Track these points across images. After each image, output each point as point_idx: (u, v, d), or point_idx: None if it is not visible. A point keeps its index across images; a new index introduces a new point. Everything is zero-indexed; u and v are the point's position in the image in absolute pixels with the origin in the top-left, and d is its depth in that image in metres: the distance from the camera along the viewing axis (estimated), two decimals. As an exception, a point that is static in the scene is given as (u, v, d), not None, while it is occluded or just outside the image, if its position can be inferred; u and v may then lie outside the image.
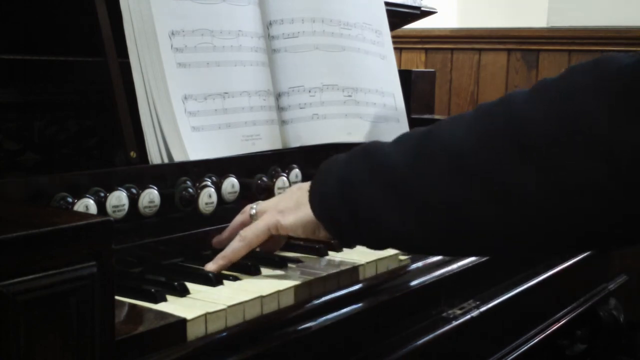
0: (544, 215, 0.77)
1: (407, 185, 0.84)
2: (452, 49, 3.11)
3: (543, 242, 0.81)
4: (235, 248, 1.00)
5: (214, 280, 0.94)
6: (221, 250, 1.01)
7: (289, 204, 0.99)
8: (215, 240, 1.07)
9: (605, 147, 0.73)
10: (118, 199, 0.98)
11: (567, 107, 0.75)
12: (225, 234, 1.07)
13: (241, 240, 1.00)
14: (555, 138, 0.75)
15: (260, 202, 1.05)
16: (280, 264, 1.03)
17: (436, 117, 2.01)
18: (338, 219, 0.92)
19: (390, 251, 1.07)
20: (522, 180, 0.77)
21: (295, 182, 1.25)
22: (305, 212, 0.96)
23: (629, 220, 0.75)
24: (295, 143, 1.33)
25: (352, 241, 0.98)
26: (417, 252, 1.02)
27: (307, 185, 0.98)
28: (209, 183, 1.10)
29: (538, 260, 1.48)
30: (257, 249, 1.03)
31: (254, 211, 1.04)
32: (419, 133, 0.87)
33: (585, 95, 0.75)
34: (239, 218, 1.06)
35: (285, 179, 1.22)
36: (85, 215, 0.85)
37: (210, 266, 0.98)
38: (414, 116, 1.75)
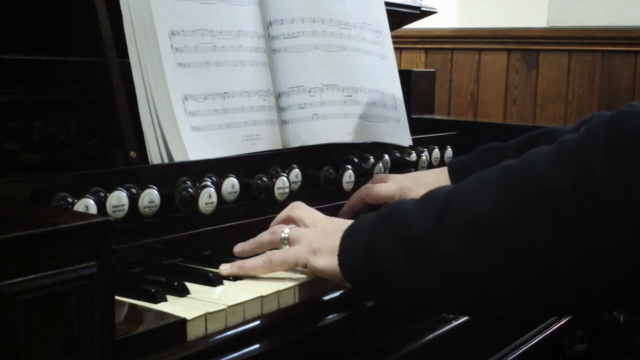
0: (566, 277, 0.78)
1: (429, 251, 0.84)
2: (452, 49, 3.11)
3: (563, 304, 0.82)
4: (257, 266, 0.98)
5: (214, 280, 0.94)
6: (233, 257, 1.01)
7: (323, 247, 0.96)
8: (239, 249, 1.06)
9: (618, 206, 0.73)
10: (118, 199, 0.98)
11: (582, 169, 0.76)
12: (250, 247, 1.05)
13: (266, 262, 0.98)
14: (574, 202, 0.76)
15: (293, 226, 1.03)
16: (281, 264, 1.02)
17: (436, 117, 2.01)
18: (361, 277, 0.91)
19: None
20: (540, 241, 0.77)
21: (295, 182, 1.25)
22: (334, 263, 0.93)
23: None
24: (295, 143, 1.33)
25: (375, 299, 0.97)
26: (440, 312, 1.02)
27: (344, 226, 0.96)
28: (209, 183, 1.10)
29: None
30: None
31: (285, 235, 1.01)
32: (442, 195, 0.87)
33: (605, 162, 0.75)
34: (267, 237, 1.04)
35: (285, 179, 1.22)
36: (85, 215, 0.85)
37: (225, 269, 0.98)
38: (414, 116, 1.75)
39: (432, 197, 0.88)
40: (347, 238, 0.93)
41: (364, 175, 1.39)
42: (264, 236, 1.05)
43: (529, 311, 0.88)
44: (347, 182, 1.34)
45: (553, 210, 0.77)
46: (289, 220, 1.06)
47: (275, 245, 1.02)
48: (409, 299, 0.89)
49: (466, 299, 0.84)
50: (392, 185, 1.31)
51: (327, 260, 0.94)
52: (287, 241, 1.01)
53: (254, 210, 1.17)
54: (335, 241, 0.94)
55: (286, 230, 1.02)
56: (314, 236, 0.99)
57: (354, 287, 0.94)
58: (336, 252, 0.93)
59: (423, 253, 0.84)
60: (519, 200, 0.79)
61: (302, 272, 1.00)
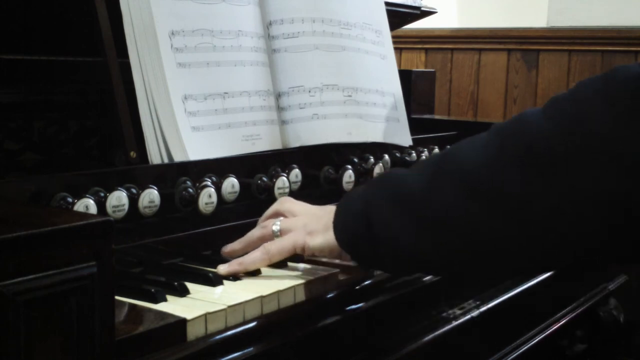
0: (557, 228, 0.77)
1: (422, 206, 0.84)
2: (452, 49, 3.11)
3: (555, 257, 0.81)
4: (256, 259, 0.99)
5: (214, 280, 0.94)
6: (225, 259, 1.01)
7: (318, 226, 0.98)
8: (228, 249, 1.06)
9: (614, 155, 0.73)
10: (118, 199, 0.98)
11: (576, 119, 0.76)
12: (240, 245, 1.05)
13: (265, 253, 0.99)
14: (566, 150, 0.75)
15: (282, 219, 1.04)
16: (281, 263, 1.02)
17: (436, 117, 2.01)
18: (356, 243, 0.92)
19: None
20: (533, 194, 0.77)
21: (295, 182, 1.25)
22: (331, 236, 0.95)
23: None
24: (295, 143, 1.33)
25: (371, 265, 0.98)
26: (435, 273, 1.02)
27: (334, 208, 0.97)
28: (209, 183, 1.10)
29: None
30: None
31: (277, 228, 1.02)
32: (434, 156, 0.88)
33: (593, 106, 0.75)
34: (258, 232, 1.04)
35: (285, 179, 1.22)
36: (85, 215, 0.85)
37: (224, 269, 0.98)
38: (414, 116, 1.75)
39: (425, 161, 0.90)
40: (341, 209, 0.95)
41: (364, 175, 1.39)
42: (254, 232, 1.05)
43: (516, 266, 0.86)
44: (347, 182, 1.34)
45: (544, 158, 0.76)
46: (277, 215, 1.06)
47: (267, 240, 1.02)
48: (400, 254, 0.88)
49: (454, 252, 0.84)
50: None
51: (324, 237, 0.96)
52: (280, 233, 1.02)
53: (254, 210, 1.17)
54: (329, 219, 0.96)
55: (277, 223, 1.02)
56: (307, 220, 1.00)
57: (353, 255, 0.95)
58: (331, 227, 0.95)
59: (415, 206, 0.85)
60: (510, 154, 0.79)
61: (302, 272, 1.00)
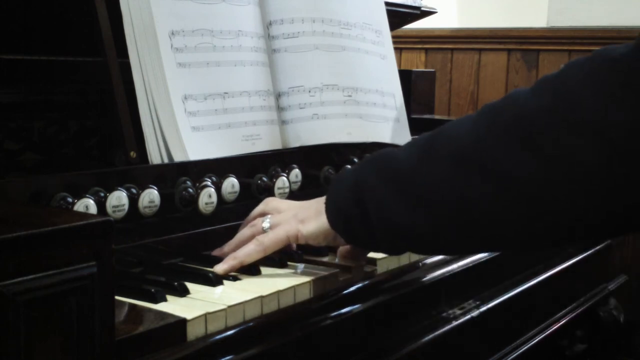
0: (545, 203, 0.79)
1: (413, 182, 0.86)
2: (452, 49, 3.11)
3: (545, 232, 0.82)
4: (250, 251, 0.98)
5: (214, 280, 0.94)
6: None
7: (309, 214, 0.98)
8: (217, 254, 1.05)
9: (602, 132, 0.75)
10: (118, 199, 0.98)
11: (565, 97, 0.78)
12: (229, 248, 1.05)
13: (258, 244, 0.99)
14: (554, 126, 0.77)
15: (270, 216, 1.04)
16: (280, 263, 1.02)
17: (436, 117, 2.01)
18: (350, 224, 0.93)
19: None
20: (522, 169, 0.79)
21: (295, 182, 1.26)
22: (324, 220, 0.96)
23: (627, 202, 0.77)
24: (295, 143, 1.33)
25: (366, 246, 0.98)
26: (428, 251, 1.03)
27: (323, 198, 0.98)
28: (209, 183, 1.10)
29: (538, 260, 1.48)
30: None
31: (267, 225, 1.02)
32: (425, 135, 0.90)
33: (581, 84, 0.77)
34: (248, 231, 1.04)
35: (285, 179, 1.22)
36: (85, 215, 0.85)
37: (220, 267, 0.98)
38: (414, 116, 1.75)
39: (416, 139, 0.91)
40: (332, 191, 0.95)
41: (364, 175, 1.39)
42: (245, 232, 1.05)
43: (506, 242, 0.88)
44: (347, 182, 1.34)
45: (533, 134, 0.78)
46: (264, 215, 1.06)
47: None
48: (393, 232, 0.89)
49: (446, 228, 0.85)
50: None
51: (317, 222, 0.97)
52: (270, 229, 1.02)
53: (254, 210, 1.17)
54: (320, 205, 0.97)
55: (267, 220, 1.03)
56: (297, 210, 1.01)
57: (347, 237, 0.95)
58: (324, 211, 0.95)
59: (406, 183, 0.86)
60: (499, 127, 0.81)
61: (302, 272, 1.00)
